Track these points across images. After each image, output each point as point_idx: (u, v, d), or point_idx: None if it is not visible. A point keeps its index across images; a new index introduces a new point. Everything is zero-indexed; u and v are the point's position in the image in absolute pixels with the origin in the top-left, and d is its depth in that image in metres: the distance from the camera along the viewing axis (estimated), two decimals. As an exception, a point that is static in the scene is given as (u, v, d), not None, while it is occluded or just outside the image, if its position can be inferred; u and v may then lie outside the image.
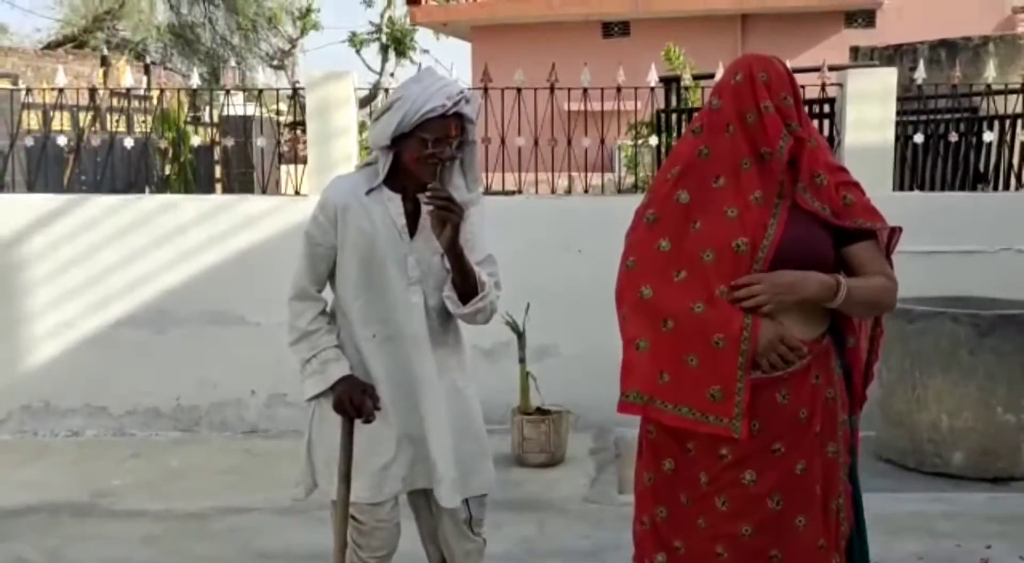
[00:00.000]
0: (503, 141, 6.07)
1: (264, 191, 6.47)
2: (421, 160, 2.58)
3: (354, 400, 2.61)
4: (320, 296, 2.77)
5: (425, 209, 2.60)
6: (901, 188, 6.27)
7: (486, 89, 5.95)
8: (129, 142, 6.17)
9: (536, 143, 6.08)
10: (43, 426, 5.91)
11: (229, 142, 6.39)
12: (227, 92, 6.44)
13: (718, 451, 2.40)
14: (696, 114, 2.65)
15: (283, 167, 8.06)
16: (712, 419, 2.34)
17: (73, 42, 21.43)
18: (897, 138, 6.01)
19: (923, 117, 6.18)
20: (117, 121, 6.65)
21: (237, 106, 7.54)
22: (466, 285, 2.63)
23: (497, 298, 2.71)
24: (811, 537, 2.39)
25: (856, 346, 2.52)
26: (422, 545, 2.97)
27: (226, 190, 8.36)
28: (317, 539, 3.83)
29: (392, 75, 18.96)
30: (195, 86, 6.23)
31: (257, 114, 7.05)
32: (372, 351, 2.69)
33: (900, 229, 2.51)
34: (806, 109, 2.62)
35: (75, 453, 5.51)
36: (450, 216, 2.52)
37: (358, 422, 2.63)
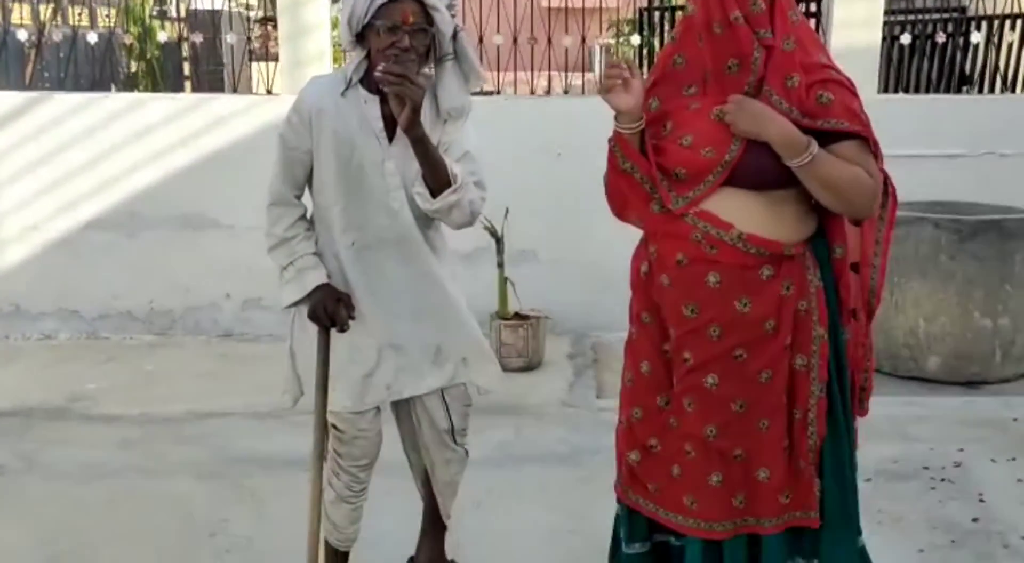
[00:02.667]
0: (480, 39, 5.90)
1: (235, 90, 6.28)
2: (381, 54, 2.44)
3: (328, 309, 2.54)
4: (298, 202, 2.67)
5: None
6: (886, 90, 6.17)
7: (463, -16, 5.75)
8: (93, 37, 5.94)
9: (515, 41, 5.92)
10: (14, 330, 5.82)
11: (197, 38, 6.16)
12: (193, -15, 6.18)
13: (682, 354, 2.42)
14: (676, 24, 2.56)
15: (254, 64, 7.83)
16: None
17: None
18: (884, 38, 5.88)
19: (910, 17, 6.05)
20: (79, 15, 6.38)
21: (205, 1, 7.29)
22: (435, 177, 2.47)
23: (481, 200, 2.58)
24: (775, 439, 2.41)
25: (844, 256, 2.46)
26: (403, 451, 2.96)
27: (195, 88, 8.13)
28: (294, 444, 3.81)
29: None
30: (160, -22, 5.98)
31: (226, 9, 6.82)
32: (351, 258, 2.61)
33: (876, 143, 2.37)
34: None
35: (48, 357, 5.45)
36: (404, 92, 2.34)
37: (335, 331, 2.57)
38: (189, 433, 4.29)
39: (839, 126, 2.30)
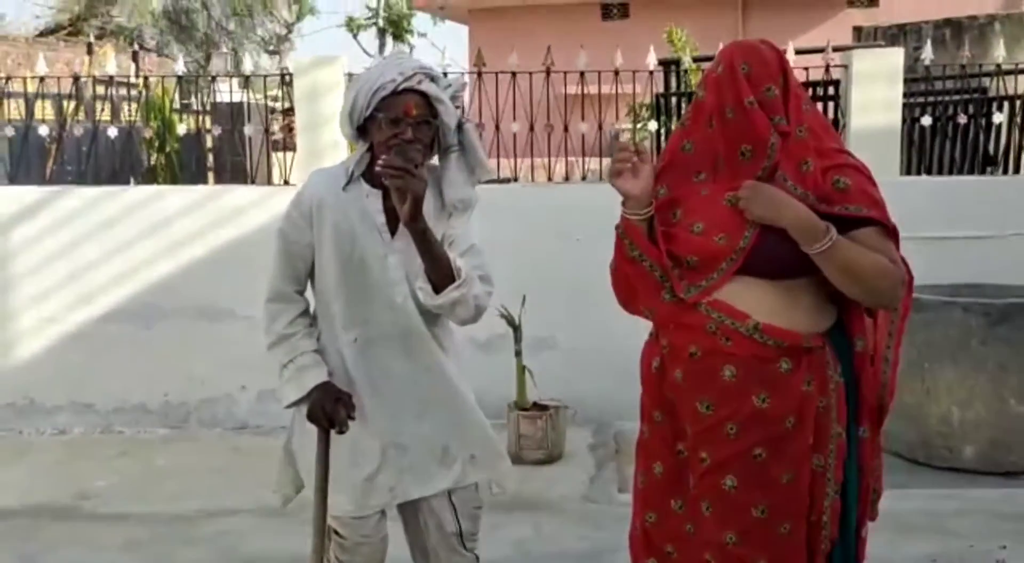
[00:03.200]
0: (497, 126, 5.89)
1: (254, 180, 6.30)
2: (385, 146, 2.39)
3: (326, 409, 2.44)
4: (299, 297, 2.59)
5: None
6: (908, 172, 6.10)
7: (480, 73, 5.78)
8: (113, 131, 5.99)
9: (532, 128, 5.91)
10: (28, 424, 5.75)
11: (216, 131, 6.21)
12: (213, 79, 6.26)
13: (699, 454, 2.29)
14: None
15: (275, 155, 7.89)
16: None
17: (67, 30, 21.21)
18: (904, 121, 5.83)
19: (930, 99, 6.01)
20: (102, 110, 6.46)
21: (228, 93, 7.37)
22: (438, 271, 2.37)
23: (487, 294, 2.48)
24: (797, 544, 2.28)
25: (864, 350, 2.34)
26: (411, 556, 2.81)
27: (218, 179, 8.20)
28: (303, 545, 3.65)
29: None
30: (180, 73, 6.04)
31: (247, 101, 6.89)
32: (354, 355, 2.52)
33: (896, 231, 2.29)
34: (810, 92, 2.45)
35: (60, 452, 5.36)
36: (406, 184, 2.26)
37: (335, 432, 2.47)
38: (198, 533, 4.16)
39: (858, 212, 2.21)
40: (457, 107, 2.47)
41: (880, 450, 2.43)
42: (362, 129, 2.45)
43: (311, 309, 2.62)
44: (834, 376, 2.29)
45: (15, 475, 4.97)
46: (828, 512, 2.28)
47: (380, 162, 2.31)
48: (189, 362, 5.74)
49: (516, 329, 5.04)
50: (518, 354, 5.08)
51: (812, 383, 2.24)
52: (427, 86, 2.40)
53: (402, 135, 2.37)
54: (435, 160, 2.62)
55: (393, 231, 2.47)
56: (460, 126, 2.48)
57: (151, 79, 6.14)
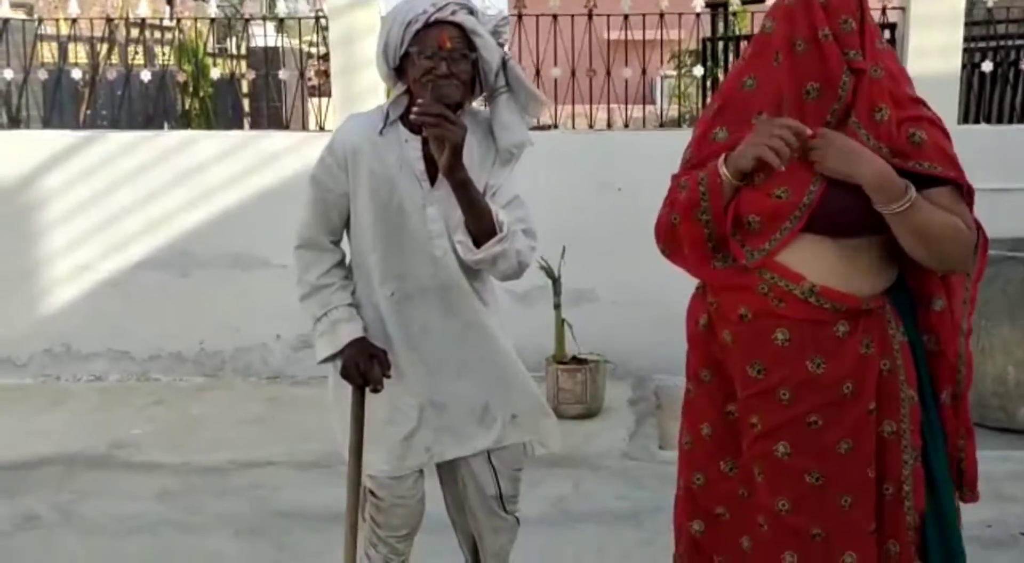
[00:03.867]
0: (538, 72, 5.69)
1: (288, 126, 6.17)
2: (420, 83, 2.25)
3: (361, 367, 2.33)
4: (334, 247, 2.47)
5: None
6: (966, 120, 5.84)
7: (520, 16, 5.59)
8: (147, 75, 5.88)
9: (573, 74, 5.72)
10: (65, 370, 5.74)
11: (251, 75, 6.08)
12: (247, 21, 6.11)
13: (749, 419, 2.16)
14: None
15: (312, 100, 7.75)
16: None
17: (104, -27, 21.08)
18: (963, 66, 5.56)
19: (992, 43, 5.72)
20: (136, 54, 6.34)
21: (265, 37, 7.23)
22: (479, 224, 2.25)
23: (530, 249, 2.35)
24: (860, 519, 2.11)
25: (946, 309, 2.16)
26: (447, 513, 2.72)
27: (254, 125, 8.09)
28: (337, 497, 3.55)
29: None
30: (213, 16, 5.89)
31: (283, 45, 6.74)
32: (391, 310, 2.40)
33: (972, 191, 2.12)
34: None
35: (96, 399, 5.34)
36: (444, 133, 2.13)
37: (370, 390, 2.36)
38: (231, 484, 4.11)
39: (932, 170, 2.04)
40: (500, 43, 2.32)
41: (964, 421, 2.26)
42: (398, 69, 2.31)
43: (346, 260, 2.50)
44: (896, 335, 2.13)
45: (52, 422, 4.95)
46: (909, 481, 2.13)
47: (415, 108, 2.17)
48: (224, 311, 5.68)
49: (555, 281, 4.91)
50: (557, 307, 4.96)
51: (872, 345, 2.09)
52: (462, 17, 2.25)
53: (437, 70, 2.22)
54: (477, 104, 2.48)
55: (433, 179, 2.34)
56: (504, 63, 2.33)
57: (184, 22, 6.00)
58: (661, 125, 6.36)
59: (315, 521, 3.68)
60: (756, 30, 5.88)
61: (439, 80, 2.21)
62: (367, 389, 2.35)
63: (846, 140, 2.02)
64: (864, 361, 2.09)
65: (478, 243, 2.27)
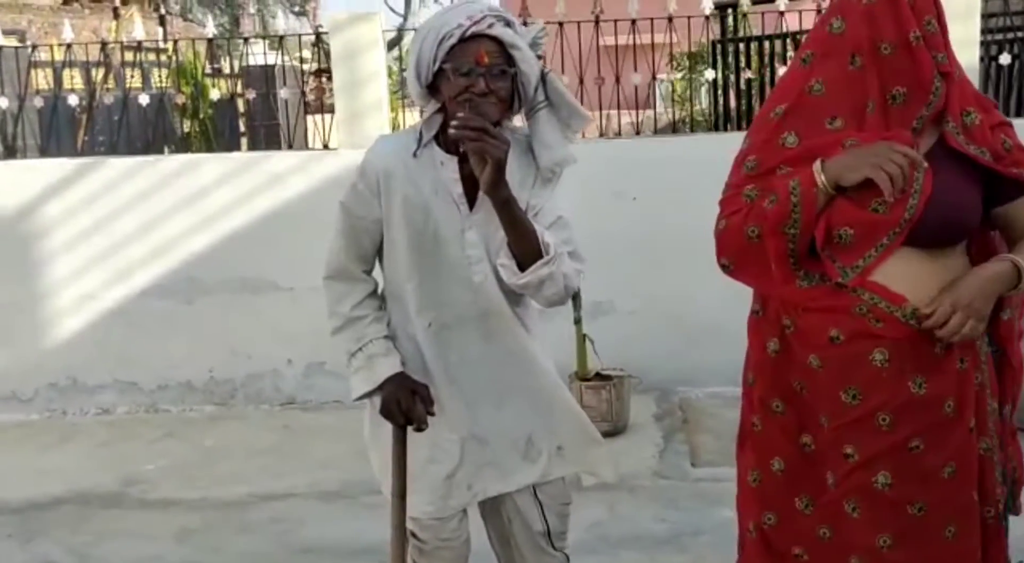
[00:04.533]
0: (545, 81, 5.59)
1: (290, 145, 6.04)
2: (456, 102, 2.10)
3: (403, 404, 2.19)
4: (367, 277, 2.32)
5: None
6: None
7: (525, 23, 5.44)
8: (144, 99, 5.75)
9: (581, 81, 5.60)
10: (71, 404, 5.58)
11: (250, 94, 5.95)
12: (246, 40, 5.98)
13: (842, 449, 2.00)
14: (805, 40, 2.16)
15: (310, 118, 7.63)
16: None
17: (91, -4, 20.96)
18: (981, 59, 5.44)
19: (1010, 35, 5.60)
20: (132, 77, 6.21)
21: (259, 55, 7.11)
22: (524, 246, 2.10)
23: (577, 273, 2.20)
24: (967, 550, 1.97)
25: (1012, 319, 2.06)
26: (491, 547, 2.57)
27: (252, 145, 7.97)
28: (366, 530, 3.46)
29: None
30: (211, 36, 5.77)
31: (279, 63, 6.61)
32: (428, 341, 2.26)
33: None
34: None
35: (105, 434, 5.19)
36: (485, 148, 1.99)
37: (413, 429, 2.22)
38: (251, 519, 3.97)
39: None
40: (539, 56, 2.18)
41: (1012, 428, 2.15)
42: (431, 87, 2.17)
43: (379, 289, 2.36)
44: (983, 347, 2.03)
45: (61, 460, 4.80)
46: (1003, 500, 2.03)
47: (453, 123, 2.03)
48: (233, 337, 5.54)
49: (575, 296, 4.77)
50: (578, 321, 4.81)
51: (966, 360, 1.98)
52: (500, 31, 2.11)
53: (474, 88, 2.08)
54: (517, 121, 2.34)
55: (472, 202, 2.20)
56: (543, 77, 2.19)
57: (181, 43, 5.87)
58: (674, 129, 6.24)
59: (342, 557, 3.54)
60: (767, 30, 5.64)
61: (477, 98, 2.08)
62: (410, 428, 2.21)
63: (965, 289, 1.91)
64: (962, 377, 1.98)
65: (523, 266, 2.13)
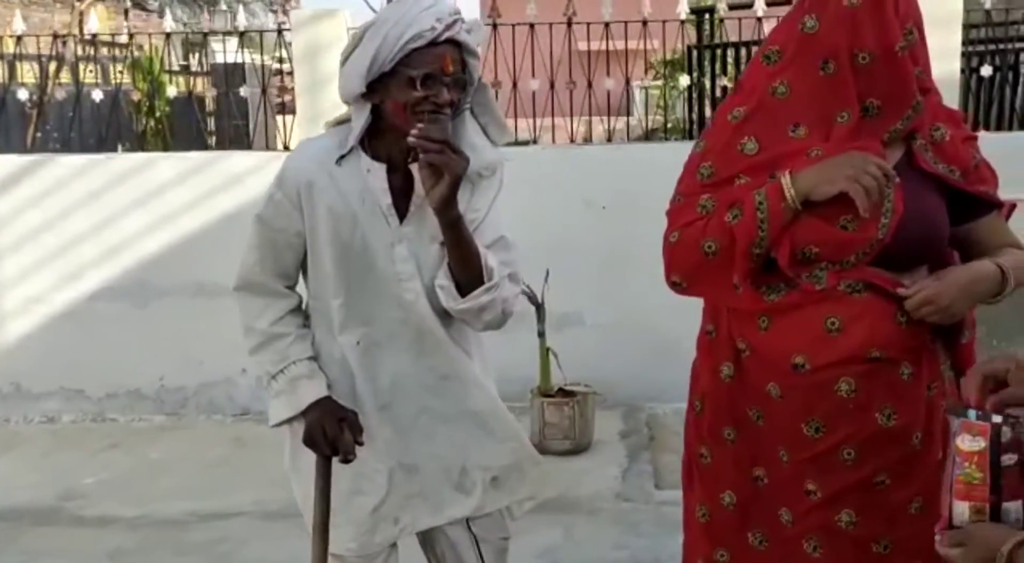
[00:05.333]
0: (515, 84, 5.42)
1: (250, 146, 5.84)
2: (409, 110, 1.92)
3: (328, 433, 2.00)
4: (288, 291, 2.14)
5: (418, 175, 1.96)
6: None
7: (495, 25, 5.29)
8: (98, 95, 5.53)
9: (552, 85, 5.43)
10: (15, 412, 5.36)
11: (211, 93, 5.74)
12: (205, 35, 5.78)
13: (803, 485, 1.84)
14: (771, 33, 1.98)
15: (280, 118, 7.43)
16: None
17: (67, -10, 20.66)
18: (962, 70, 5.31)
19: (991, 47, 5.47)
20: (92, 71, 5.99)
21: (230, 54, 6.90)
22: (467, 270, 1.97)
23: (514, 296, 2.05)
24: None
25: (971, 340, 1.93)
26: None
27: (219, 145, 7.75)
28: (305, 552, 3.26)
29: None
30: (168, 30, 5.55)
31: (245, 61, 6.42)
32: (357, 362, 2.07)
33: (1014, 206, 1.95)
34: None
35: (48, 443, 4.97)
36: (448, 163, 1.85)
37: (339, 461, 2.03)
38: (190, 539, 3.76)
39: (991, 196, 1.80)
40: (475, 57, 2.01)
41: None
42: (370, 87, 1.98)
43: (303, 305, 2.17)
44: (946, 371, 1.89)
45: (-2, 470, 4.59)
46: None
47: (414, 132, 1.86)
48: (186, 343, 5.32)
49: (539, 308, 4.59)
50: (541, 335, 4.64)
51: (935, 387, 1.83)
52: (464, 36, 1.94)
53: (437, 98, 1.90)
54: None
55: (402, 215, 2.02)
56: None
57: (138, 37, 5.66)
58: (646, 136, 6.08)
59: (281, 583, 3.34)
60: (744, 36, 5.44)
61: (437, 109, 1.90)
62: (336, 458, 2.02)
63: (953, 277, 1.78)
64: (931, 406, 1.82)
65: (461, 288, 1.97)
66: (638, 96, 9.03)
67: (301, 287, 2.17)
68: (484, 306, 1.97)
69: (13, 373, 5.35)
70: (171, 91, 5.77)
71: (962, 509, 1.31)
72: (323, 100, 5.23)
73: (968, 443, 1.30)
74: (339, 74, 2.08)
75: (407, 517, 2.14)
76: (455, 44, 1.94)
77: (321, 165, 2.02)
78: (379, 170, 2.01)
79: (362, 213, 2.00)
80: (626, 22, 5.34)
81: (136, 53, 5.84)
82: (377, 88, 1.97)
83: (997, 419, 1.29)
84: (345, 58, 2.04)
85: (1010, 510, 1.29)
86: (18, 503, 4.14)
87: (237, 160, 5.38)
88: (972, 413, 1.32)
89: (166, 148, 5.98)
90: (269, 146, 6.47)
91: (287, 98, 7.94)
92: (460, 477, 2.15)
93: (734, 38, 5.82)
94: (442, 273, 1.99)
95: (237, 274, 2.13)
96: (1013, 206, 1.97)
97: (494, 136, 2.08)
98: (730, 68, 6.20)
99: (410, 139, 1.88)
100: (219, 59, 7.97)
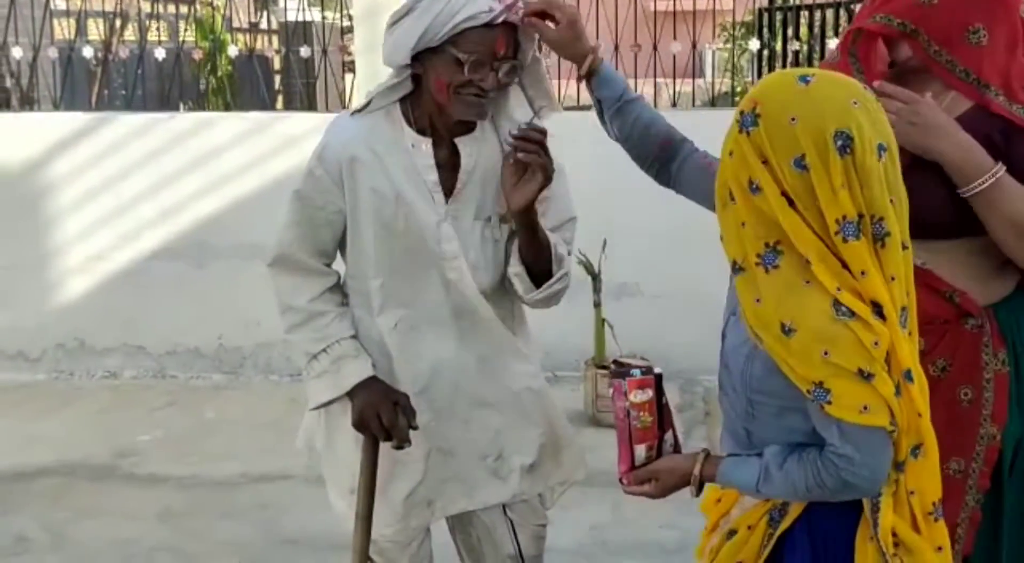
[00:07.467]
0: (578, 46, 5.28)
1: (311, 106, 5.80)
2: (452, 90, 1.84)
3: (384, 418, 1.93)
4: (326, 269, 2.08)
5: (465, 152, 1.89)
6: None
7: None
8: (161, 53, 5.53)
9: (616, 48, 5.27)
10: (79, 366, 5.45)
11: (271, 52, 5.71)
12: (268, -6, 5.73)
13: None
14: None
15: (349, 77, 7.38)
16: None
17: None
18: None
19: None
20: (157, 29, 6.00)
21: (297, 11, 6.88)
22: (539, 259, 1.94)
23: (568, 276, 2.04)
24: None
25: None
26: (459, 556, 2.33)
27: (287, 104, 7.74)
28: (343, 527, 3.25)
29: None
30: (228, -11, 5.52)
31: (313, 18, 6.38)
32: (396, 345, 2.01)
33: None
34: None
35: (107, 399, 5.04)
36: (544, 166, 1.85)
37: (392, 447, 1.97)
38: (238, 502, 3.78)
39: None
40: None
41: None
42: (415, 58, 1.89)
43: (341, 282, 2.11)
44: (992, 362, 1.78)
45: (57, 426, 4.65)
46: (964, 525, 1.83)
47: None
48: (243, 304, 5.32)
49: (595, 278, 4.50)
50: (597, 305, 4.55)
51: (950, 368, 1.77)
52: (517, 18, 1.86)
53: (484, 82, 1.83)
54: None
55: (448, 192, 1.95)
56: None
57: (200, -5, 5.64)
58: (712, 102, 5.90)
59: (322, 551, 3.33)
60: None
61: (480, 95, 1.84)
62: (390, 444, 1.96)
63: (938, 114, 1.71)
64: (936, 385, 1.69)
65: (530, 272, 1.96)
66: (708, 59, 8.81)
67: (338, 264, 2.11)
68: (555, 293, 1.97)
69: (76, 329, 5.44)
70: (232, 50, 5.72)
71: (640, 450, 1.66)
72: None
73: (639, 396, 1.62)
74: (385, 37, 2.00)
75: (441, 500, 2.09)
76: (510, 26, 1.85)
77: (364, 140, 1.95)
78: (424, 145, 1.94)
79: (407, 190, 1.93)
80: (695, -18, 5.16)
81: (200, 11, 5.79)
82: (423, 60, 1.88)
83: (658, 370, 1.63)
84: (393, 22, 1.95)
85: (667, 440, 1.68)
86: (73, 459, 4.21)
87: (297, 121, 5.34)
88: (637, 371, 1.61)
89: (227, 108, 5.96)
90: (330, 107, 6.43)
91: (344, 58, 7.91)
92: (496, 463, 2.09)
93: (808, 0, 5.59)
94: (515, 260, 1.96)
95: (272, 251, 2.08)
96: None
97: (541, 110, 1.99)
98: (803, 30, 5.97)
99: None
100: (290, 17, 7.95)
